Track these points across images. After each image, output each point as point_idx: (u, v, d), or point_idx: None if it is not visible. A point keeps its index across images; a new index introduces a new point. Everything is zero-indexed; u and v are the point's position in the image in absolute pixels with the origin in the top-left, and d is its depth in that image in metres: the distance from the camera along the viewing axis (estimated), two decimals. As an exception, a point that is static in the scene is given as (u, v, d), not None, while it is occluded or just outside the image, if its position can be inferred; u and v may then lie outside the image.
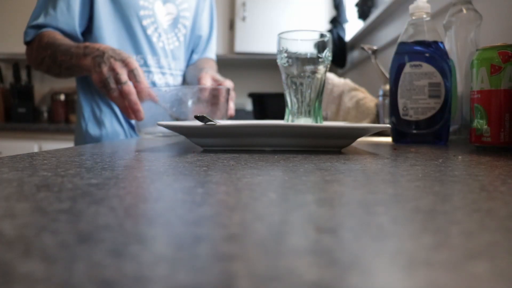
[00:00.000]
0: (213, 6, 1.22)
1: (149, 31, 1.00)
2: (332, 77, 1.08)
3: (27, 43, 0.93)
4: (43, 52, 0.88)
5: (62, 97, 2.47)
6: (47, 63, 0.89)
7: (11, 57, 2.43)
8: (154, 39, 1.01)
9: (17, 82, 2.45)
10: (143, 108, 0.76)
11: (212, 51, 1.23)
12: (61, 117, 2.46)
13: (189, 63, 1.17)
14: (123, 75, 0.76)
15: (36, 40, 0.90)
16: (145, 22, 0.99)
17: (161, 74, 1.04)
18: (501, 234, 0.15)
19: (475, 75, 0.52)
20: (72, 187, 0.22)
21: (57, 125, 2.26)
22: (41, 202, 0.19)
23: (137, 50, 0.99)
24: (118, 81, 0.76)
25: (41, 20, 0.91)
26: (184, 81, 1.15)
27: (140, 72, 0.77)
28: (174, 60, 1.07)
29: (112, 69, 0.76)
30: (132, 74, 0.77)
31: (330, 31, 2.04)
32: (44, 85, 2.67)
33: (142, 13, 0.98)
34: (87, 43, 0.83)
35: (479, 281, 0.10)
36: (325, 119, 1.05)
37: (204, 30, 1.17)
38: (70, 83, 2.61)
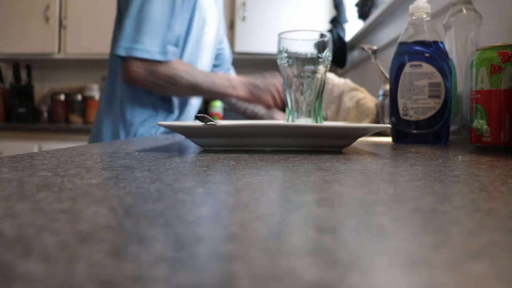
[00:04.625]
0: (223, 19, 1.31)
1: (207, 37, 1.10)
2: (332, 77, 1.08)
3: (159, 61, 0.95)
4: (181, 80, 0.96)
5: (62, 97, 2.47)
6: (182, 90, 0.98)
7: (11, 57, 2.42)
8: (204, 56, 1.11)
9: (17, 82, 2.45)
10: None
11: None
12: (61, 117, 2.46)
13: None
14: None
15: (168, 66, 0.96)
16: (207, 29, 1.09)
17: None
18: (501, 234, 0.15)
19: (475, 75, 0.52)
20: (72, 187, 0.22)
21: (57, 125, 2.26)
22: (41, 202, 0.19)
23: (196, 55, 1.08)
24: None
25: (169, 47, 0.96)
26: None
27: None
28: (207, 58, 1.16)
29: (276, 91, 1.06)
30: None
31: (330, 31, 2.04)
32: (44, 85, 2.67)
33: (207, 30, 1.09)
34: (215, 73, 1.04)
35: (479, 281, 0.10)
36: (325, 119, 1.05)
37: (224, 44, 1.29)
38: (70, 83, 2.61)
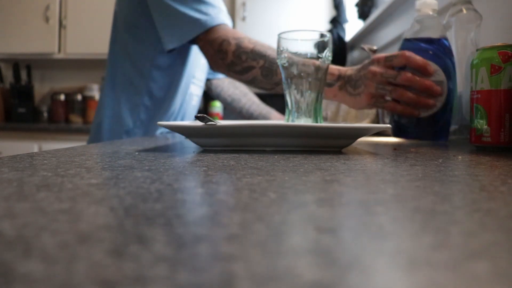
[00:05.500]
0: None
1: None
2: None
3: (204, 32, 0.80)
4: (250, 61, 0.77)
5: (62, 97, 2.47)
6: (254, 75, 0.78)
7: (11, 57, 2.43)
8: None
9: (17, 82, 2.45)
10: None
11: None
12: (61, 117, 2.46)
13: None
14: (391, 76, 0.64)
15: (231, 43, 0.78)
16: None
17: (196, 85, 1.07)
18: (501, 234, 0.15)
19: (475, 75, 0.52)
20: (72, 187, 0.22)
21: (57, 125, 2.26)
22: (41, 202, 0.19)
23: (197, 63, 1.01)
24: (388, 83, 0.65)
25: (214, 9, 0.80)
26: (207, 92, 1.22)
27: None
28: (204, 73, 1.11)
29: (377, 80, 0.66)
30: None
31: (330, 31, 2.04)
32: (44, 85, 2.67)
33: None
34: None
35: (479, 281, 0.10)
36: (325, 119, 1.05)
37: None
38: (70, 83, 2.61)
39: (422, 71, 0.63)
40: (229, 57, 0.79)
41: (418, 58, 0.63)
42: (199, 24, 0.81)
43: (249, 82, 0.82)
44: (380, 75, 0.65)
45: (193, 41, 0.85)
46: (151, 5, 0.87)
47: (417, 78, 0.63)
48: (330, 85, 0.72)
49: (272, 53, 0.77)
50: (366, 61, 0.69)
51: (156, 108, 0.99)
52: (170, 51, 0.86)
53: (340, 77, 0.72)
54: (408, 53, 0.63)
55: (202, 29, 0.81)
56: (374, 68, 0.66)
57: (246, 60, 0.77)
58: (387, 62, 0.65)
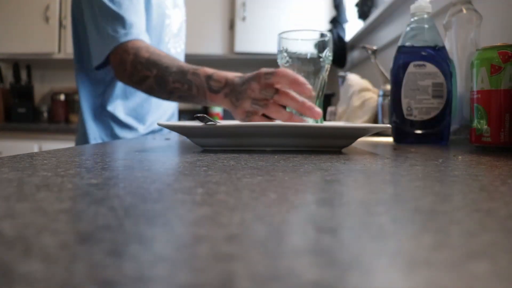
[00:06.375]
0: None
1: (166, 38, 1.01)
2: (352, 77, 1.08)
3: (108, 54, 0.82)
4: (144, 71, 0.77)
5: (62, 97, 2.47)
6: (149, 85, 0.79)
7: (11, 57, 2.42)
8: (169, 45, 1.02)
9: (17, 82, 2.45)
10: None
11: None
12: (61, 117, 2.46)
13: None
14: (268, 93, 0.63)
15: (129, 53, 0.79)
16: (167, 29, 1.00)
17: None
18: (501, 234, 0.15)
19: (475, 75, 0.52)
20: (72, 187, 0.22)
21: (57, 125, 2.26)
22: (41, 202, 0.19)
23: None
24: (264, 100, 0.64)
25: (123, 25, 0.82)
26: None
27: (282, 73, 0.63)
28: None
29: (254, 98, 0.65)
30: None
31: (330, 31, 2.04)
32: (44, 85, 2.68)
33: (167, 21, 0.99)
34: (195, 69, 0.75)
35: (479, 281, 0.10)
36: (334, 114, 1.05)
37: None
38: (70, 83, 2.61)
39: (299, 91, 0.60)
40: (128, 68, 0.79)
41: (294, 77, 0.60)
42: (110, 41, 0.82)
43: (147, 92, 0.82)
44: (258, 92, 0.64)
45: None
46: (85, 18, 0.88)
47: (293, 98, 0.60)
48: (216, 91, 0.72)
49: (167, 61, 0.77)
50: (249, 75, 0.67)
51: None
52: (98, 68, 0.87)
53: (227, 84, 0.71)
54: (283, 72, 0.60)
55: (112, 47, 0.82)
56: (254, 85, 0.64)
57: (141, 70, 0.78)
58: (266, 80, 0.63)
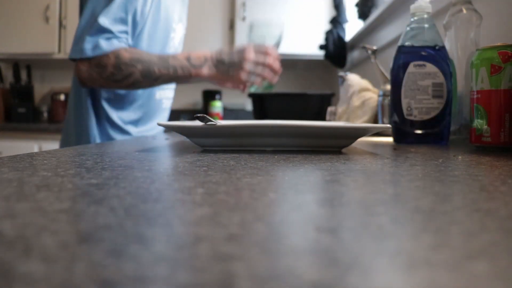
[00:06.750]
0: None
1: (170, 51, 1.03)
2: (352, 77, 1.08)
3: (88, 58, 0.88)
4: (129, 68, 0.87)
5: (62, 97, 2.47)
6: (135, 78, 0.88)
7: (11, 57, 2.42)
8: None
9: (17, 82, 2.45)
10: None
11: None
12: (61, 117, 2.46)
13: None
14: (261, 58, 0.93)
15: (110, 57, 0.87)
16: (171, 43, 1.03)
17: (165, 89, 1.07)
18: (501, 234, 0.15)
19: (475, 75, 0.52)
20: (72, 187, 0.22)
21: (57, 125, 2.26)
22: (41, 202, 0.19)
23: None
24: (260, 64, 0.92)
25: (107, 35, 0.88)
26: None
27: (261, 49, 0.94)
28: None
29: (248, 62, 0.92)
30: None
31: (330, 31, 2.04)
32: (44, 85, 2.68)
33: (172, 35, 1.03)
34: (173, 54, 0.91)
35: (479, 281, 0.10)
36: (334, 114, 1.06)
37: None
38: (70, 83, 2.61)
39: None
40: (108, 69, 0.87)
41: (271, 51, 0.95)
42: (88, 50, 0.87)
43: (129, 86, 0.91)
44: (254, 58, 0.92)
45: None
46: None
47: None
48: (199, 66, 0.90)
49: (147, 55, 0.89)
50: (237, 49, 0.93)
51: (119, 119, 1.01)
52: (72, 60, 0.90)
53: (206, 59, 0.91)
54: (265, 46, 0.94)
55: (93, 54, 0.87)
56: (249, 55, 0.91)
57: (125, 69, 0.87)
58: (258, 48, 0.93)
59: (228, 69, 0.91)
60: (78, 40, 0.88)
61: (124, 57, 0.87)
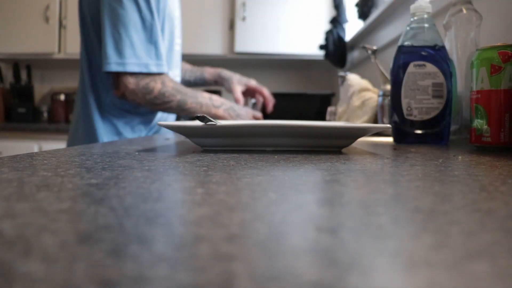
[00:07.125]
0: None
1: (173, 64, 1.07)
2: (352, 77, 1.08)
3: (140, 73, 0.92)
4: (170, 97, 0.96)
5: (62, 97, 2.47)
6: (170, 106, 0.97)
7: (11, 57, 2.42)
8: (171, 71, 1.08)
9: (17, 82, 2.45)
10: None
11: None
12: (61, 117, 2.46)
13: None
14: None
15: (157, 82, 0.94)
16: (174, 57, 1.07)
17: None
18: (501, 234, 0.15)
19: (475, 75, 0.52)
20: (72, 187, 0.22)
21: (57, 125, 2.26)
22: (41, 202, 0.19)
23: (169, 66, 1.05)
24: None
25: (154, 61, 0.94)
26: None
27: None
28: (178, 68, 1.14)
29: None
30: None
31: (330, 31, 2.04)
32: (44, 85, 2.67)
33: (177, 48, 1.08)
34: (200, 91, 1.03)
35: (479, 281, 0.10)
36: (334, 114, 1.06)
37: None
38: (70, 83, 2.61)
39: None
40: (154, 94, 0.95)
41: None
42: (147, 65, 0.93)
43: (160, 110, 1.00)
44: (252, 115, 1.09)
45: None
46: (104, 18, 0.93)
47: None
48: (218, 107, 1.03)
49: (184, 88, 0.99)
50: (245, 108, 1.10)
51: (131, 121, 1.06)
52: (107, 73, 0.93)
53: (223, 103, 1.05)
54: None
55: (141, 70, 0.92)
56: (250, 114, 1.09)
57: (168, 96, 0.96)
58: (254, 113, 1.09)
59: (237, 117, 1.04)
60: (127, 53, 0.90)
61: (168, 85, 0.96)
